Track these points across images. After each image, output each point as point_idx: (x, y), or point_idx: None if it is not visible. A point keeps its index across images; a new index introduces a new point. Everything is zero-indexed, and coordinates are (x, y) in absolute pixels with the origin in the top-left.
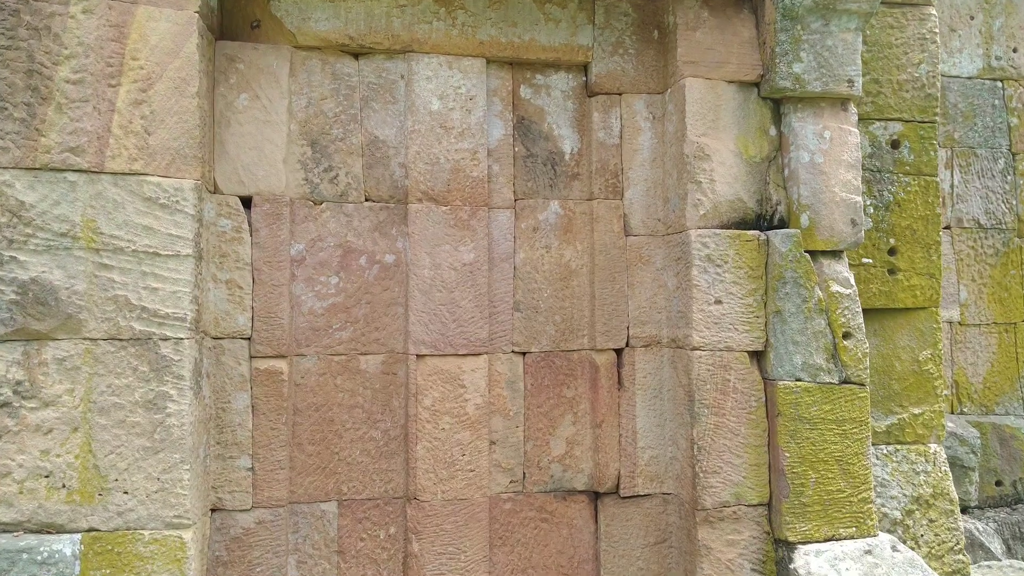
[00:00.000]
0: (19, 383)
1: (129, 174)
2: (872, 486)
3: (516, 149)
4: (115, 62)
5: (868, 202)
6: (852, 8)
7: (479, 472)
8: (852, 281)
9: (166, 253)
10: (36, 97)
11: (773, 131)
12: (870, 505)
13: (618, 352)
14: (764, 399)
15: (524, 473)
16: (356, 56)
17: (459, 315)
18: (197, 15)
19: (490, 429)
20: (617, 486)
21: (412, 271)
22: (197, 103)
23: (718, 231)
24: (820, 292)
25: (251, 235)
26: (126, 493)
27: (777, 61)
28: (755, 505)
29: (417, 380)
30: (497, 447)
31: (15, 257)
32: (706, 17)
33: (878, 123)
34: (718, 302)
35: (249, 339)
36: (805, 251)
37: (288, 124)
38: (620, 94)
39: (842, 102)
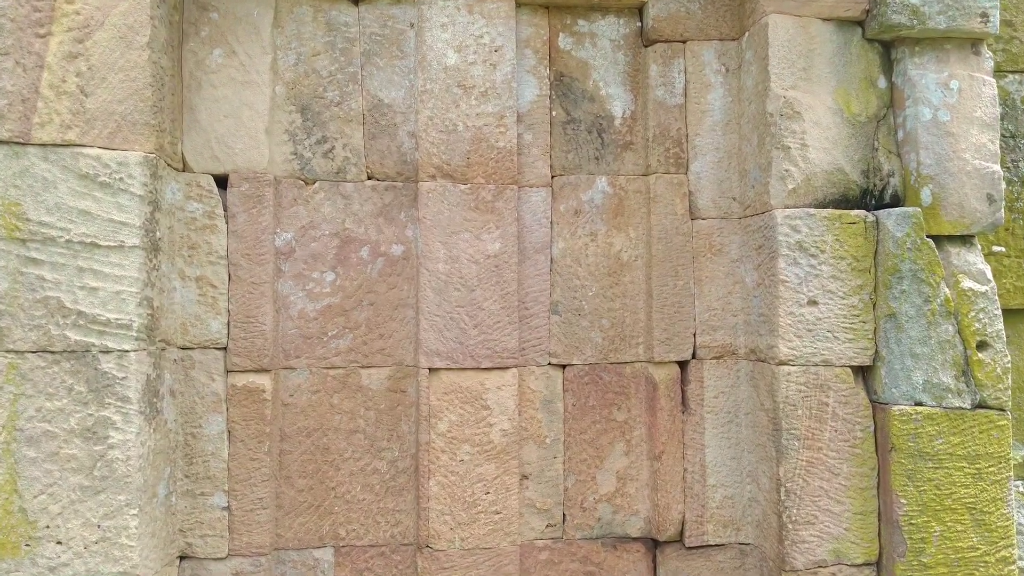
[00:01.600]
0: None
1: (61, 145)
2: (1015, 541)
3: (553, 113)
4: (44, 6)
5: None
6: None
7: (507, 514)
8: (989, 275)
9: (107, 244)
10: None
11: (883, 82)
12: (1012, 567)
13: (682, 365)
14: (873, 428)
15: (564, 515)
16: (355, 2)
17: (481, 319)
18: None
19: (521, 461)
20: (681, 533)
21: (424, 265)
22: (149, 56)
23: (812, 211)
24: (947, 289)
25: (227, 222)
26: (60, 543)
27: None
28: (860, 565)
29: (430, 400)
30: (530, 483)
31: None
32: None
33: (1011, 76)
34: (812, 303)
35: (225, 349)
36: (927, 236)
37: (272, 86)
38: (684, 42)
39: (973, 44)
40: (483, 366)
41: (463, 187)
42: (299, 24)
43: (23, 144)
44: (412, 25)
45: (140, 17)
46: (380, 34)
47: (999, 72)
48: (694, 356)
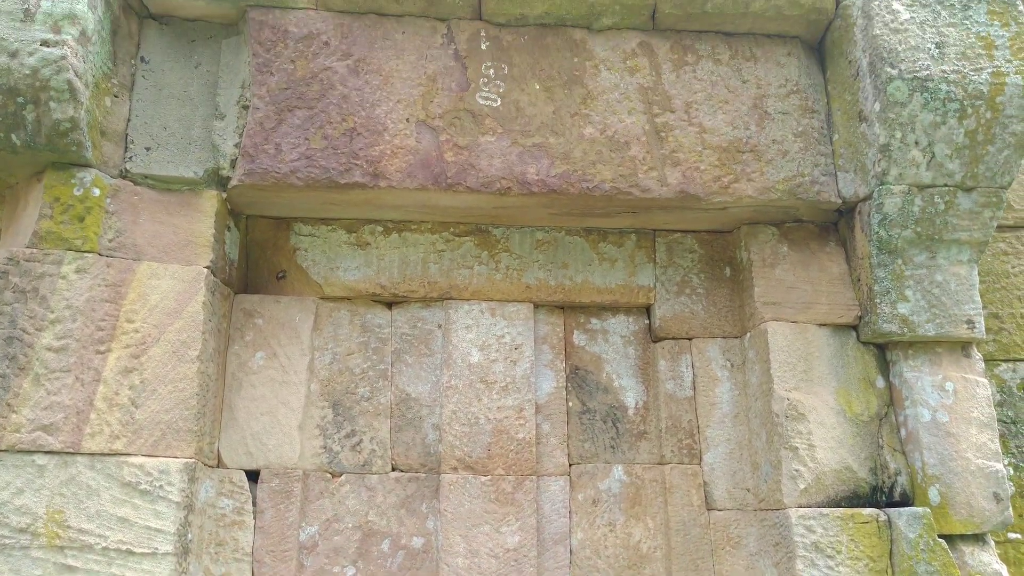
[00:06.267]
0: None
1: (108, 455)
2: None
3: (570, 404)
4: (107, 325)
5: (1005, 461)
6: (962, 238)
7: None
8: (1005, 575)
9: (141, 551)
10: (13, 367)
11: (881, 382)
12: None
13: None
14: None
15: None
16: (389, 305)
17: None
18: (207, 270)
19: None
20: None
21: (443, 559)
22: (198, 368)
23: (825, 511)
24: None
25: (255, 517)
26: None
27: (877, 301)
28: None
29: None
30: None
31: None
32: (786, 252)
33: (1004, 365)
34: None
35: None
36: (940, 536)
37: (308, 384)
38: (690, 339)
39: (963, 347)
40: None
41: (484, 479)
42: (336, 327)
43: (72, 454)
44: (440, 326)
45: (193, 333)
46: (410, 334)
47: (992, 361)
48: None
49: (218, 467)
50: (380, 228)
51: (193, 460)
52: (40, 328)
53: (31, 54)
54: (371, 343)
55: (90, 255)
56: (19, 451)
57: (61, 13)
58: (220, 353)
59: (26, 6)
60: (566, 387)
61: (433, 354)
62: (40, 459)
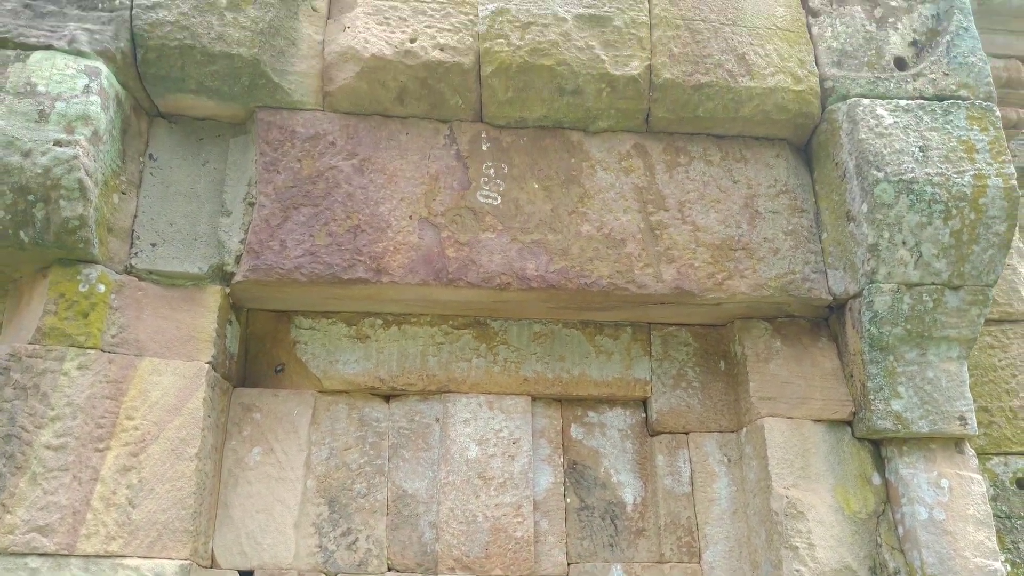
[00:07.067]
0: None
1: (103, 556)
2: None
3: (568, 500)
4: (107, 422)
5: (1002, 558)
6: (951, 335)
7: None
8: None
9: None
10: (10, 466)
11: (877, 479)
12: None
13: None
14: None
15: None
16: (387, 398)
17: None
18: (209, 366)
19: None
20: None
21: None
22: (196, 466)
23: None
24: None
25: None
26: None
27: (871, 397)
28: None
29: None
30: None
31: None
32: (779, 347)
33: (996, 458)
34: None
35: None
36: None
37: (304, 480)
38: (687, 433)
39: (956, 443)
40: None
41: None
42: (334, 421)
43: (67, 556)
44: (438, 420)
45: (193, 430)
46: (408, 428)
47: (985, 455)
48: None
49: (211, 567)
50: (380, 321)
51: (188, 561)
52: (40, 426)
53: (44, 153)
54: (368, 438)
55: (92, 351)
56: (12, 553)
57: (75, 114)
58: (217, 449)
59: (41, 107)
60: (564, 483)
61: (431, 448)
62: (33, 562)
